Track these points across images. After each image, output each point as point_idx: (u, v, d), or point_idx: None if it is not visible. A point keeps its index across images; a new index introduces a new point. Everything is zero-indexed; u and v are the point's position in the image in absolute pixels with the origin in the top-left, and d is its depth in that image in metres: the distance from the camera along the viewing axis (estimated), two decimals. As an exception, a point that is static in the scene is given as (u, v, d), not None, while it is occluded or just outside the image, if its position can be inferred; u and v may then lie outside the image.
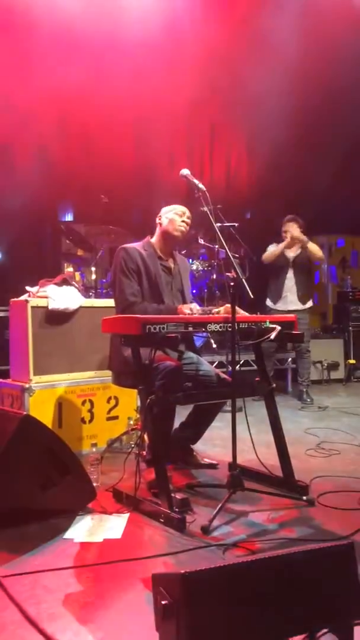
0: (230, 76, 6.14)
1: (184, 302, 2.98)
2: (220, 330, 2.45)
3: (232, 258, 2.47)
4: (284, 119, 6.46)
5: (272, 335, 2.49)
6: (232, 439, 2.40)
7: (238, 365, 2.45)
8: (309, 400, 5.17)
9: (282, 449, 2.73)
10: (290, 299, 5.22)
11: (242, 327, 2.54)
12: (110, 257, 7.02)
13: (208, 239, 6.14)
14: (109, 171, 6.53)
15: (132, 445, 3.34)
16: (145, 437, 2.76)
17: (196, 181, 2.70)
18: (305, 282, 5.28)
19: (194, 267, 6.00)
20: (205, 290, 6.17)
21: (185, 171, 2.76)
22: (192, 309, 2.59)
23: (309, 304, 5.28)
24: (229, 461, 2.52)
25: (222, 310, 2.65)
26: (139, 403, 3.44)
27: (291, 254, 5.31)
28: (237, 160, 8.03)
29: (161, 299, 2.84)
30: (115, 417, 3.61)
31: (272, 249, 5.31)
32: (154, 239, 3.02)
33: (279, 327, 2.53)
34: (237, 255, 5.71)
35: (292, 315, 2.80)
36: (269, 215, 5.69)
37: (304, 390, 5.28)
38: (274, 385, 2.81)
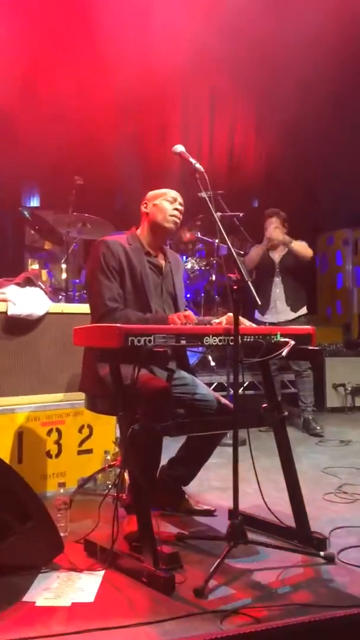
0: (235, 33, 6.19)
1: (176, 308, 2.99)
2: (219, 344, 2.46)
3: (235, 255, 2.48)
4: (299, 85, 6.52)
5: (285, 352, 2.50)
6: (233, 479, 2.40)
7: (242, 388, 2.46)
8: (319, 428, 5.21)
9: (294, 493, 2.73)
10: (280, 309, 5.36)
11: (247, 340, 2.55)
12: (85, 253, 7.03)
13: (206, 232, 6.16)
14: (86, 146, 6.54)
15: (109, 486, 3.32)
16: (126, 476, 2.75)
17: (193, 160, 2.71)
18: (295, 287, 5.42)
19: (189, 266, 6.02)
20: (202, 295, 6.19)
21: (179, 147, 2.78)
22: (187, 316, 2.59)
23: (302, 311, 5.40)
24: (229, 507, 2.51)
25: (224, 320, 2.67)
26: (118, 433, 3.42)
27: (276, 255, 5.43)
28: (243, 136, 8.09)
29: (147, 304, 2.85)
30: (89, 451, 3.59)
31: (254, 251, 5.46)
32: (139, 231, 3.03)
33: (292, 342, 2.54)
34: (242, 252, 5.74)
35: (309, 327, 2.81)
36: (281, 203, 5.73)
37: (310, 417, 5.33)
38: (286, 413, 2.81)
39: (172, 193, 3.00)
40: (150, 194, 3.03)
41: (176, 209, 2.97)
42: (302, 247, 5.32)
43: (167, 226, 2.96)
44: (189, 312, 2.67)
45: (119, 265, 2.84)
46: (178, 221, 2.98)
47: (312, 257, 5.48)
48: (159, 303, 2.93)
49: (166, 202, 2.97)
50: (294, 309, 5.36)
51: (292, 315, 5.33)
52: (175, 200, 2.98)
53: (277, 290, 5.38)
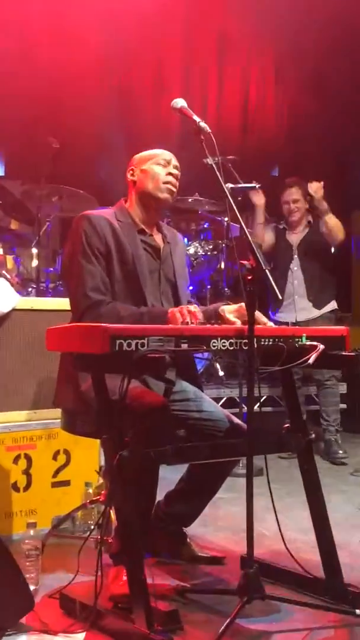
0: None
1: (177, 300, 2.98)
2: (230, 349, 2.45)
3: (250, 237, 2.48)
4: (330, 23, 6.48)
5: (312, 358, 2.49)
6: (246, 518, 2.39)
7: (258, 404, 2.45)
8: (341, 453, 5.23)
9: (323, 535, 2.73)
10: (299, 305, 5.34)
11: (264, 344, 2.54)
12: (62, 234, 7.03)
13: (213, 208, 6.16)
14: (63, 101, 6.53)
15: (91, 528, 3.31)
16: (112, 514, 2.74)
17: (196, 118, 2.71)
18: (320, 277, 5.39)
19: (191, 250, 6.02)
20: (208, 287, 6.19)
21: (179, 102, 2.77)
22: (192, 313, 2.56)
23: (329, 307, 5.38)
24: (241, 553, 2.50)
25: (238, 322, 2.64)
26: (102, 461, 3.41)
27: (294, 237, 5.40)
28: (260, 89, 8.07)
29: (141, 295, 2.84)
30: (66, 483, 3.59)
31: (261, 231, 5.43)
32: (129, 204, 3.03)
33: (321, 346, 2.53)
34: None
35: (342, 327, 2.81)
36: (308, 171, 5.72)
37: (332, 439, 5.32)
38: (313, 435, 2.81)
39: (165, 154, 2.99)
40: (137, 157, 3.03)
41: (170, 174, 2.95)
42: (337, 225, 5.28)
43: (161, 196, 2.95)
44: (195, 307, 2.64)
45: (105, 246, 2.82)
46: (174, 189, 2.97)
47: (343, 240, 5.44)
48: (155, 294, 2.92)
49: (157, 166, 2.96)
50: (318, 305, 5.34)
51: (316, 313, 5.32)
52: (168, 162, 2.97)
53: (296, 281, 5.35)
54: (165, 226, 3.18)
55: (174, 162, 2.99)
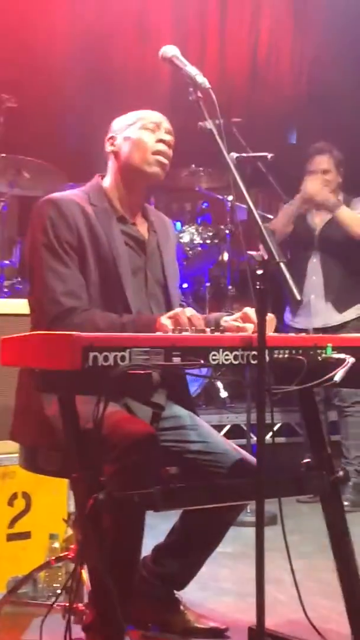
0: None
1: (169, 305, 2.99)
2: (235, 363, 2.45)
3: (260, 222, 2.48)
4: None
5: (339, 375, 2.49)
6: (256, 579, 2.39)
7: (270, 434, 2.44)
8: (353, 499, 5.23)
9: (354, 601, 2.73)
10: (316, 307, 5.34)
11: (279, 356, 2.54)
12: (21, 217, 7.03)
13: (214, 184, 6.17)
14: (20, 47, 6.54)
15: (58, 592, 3.31)
16: (84, 575, 2.74)
17: (192, 70, 2.70)
18: (344, 274, 5.39)
19: (186, 238, 6.02)
20: (207, 285, 6.21)
21: (170, 50, 2.76)
22: (191, 318, 2.55)
23: (353, 312, 5.38)
24: (249, 623, 2.49)
25: (236, 322, 2.65)
26: (72, 507, 3.40)
27: (317, 220, 5.41)
28: (273, 33, 8.09)
29: (124, 301, 2.85)
30: (25, 535, 3.61)
31: (283, 214, 5.45)
32: (107, 183, 3.04)
33: (351, 359, 2.54)
34: (271, 217, 5.75)
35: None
36: (336, 137, 5.73)
37: (353, 482, 5.33)
38: (341, 473, 2.81)
39: (153, 115, 3.00)
40: (118, 121, 3.03)
41: (162, 141, 2.95)
42: (352, 219, 5.24)
43: (149, 171, 2.95)
44: (192, 312, 2.63)
45: (78, 239, 2.82)
46: (166, 161, 2.97)
47: None
48: (142, 299, 2.92)
49: (144, 132, 2.95)
50: (340, 308, 5.35)
51: (337, 319, 5.33)
52: (158, 126, 2.97)
53: (314, 277, 5.36)
54: (152, 210, 3.17)
55: (166, 124, 2.99)
